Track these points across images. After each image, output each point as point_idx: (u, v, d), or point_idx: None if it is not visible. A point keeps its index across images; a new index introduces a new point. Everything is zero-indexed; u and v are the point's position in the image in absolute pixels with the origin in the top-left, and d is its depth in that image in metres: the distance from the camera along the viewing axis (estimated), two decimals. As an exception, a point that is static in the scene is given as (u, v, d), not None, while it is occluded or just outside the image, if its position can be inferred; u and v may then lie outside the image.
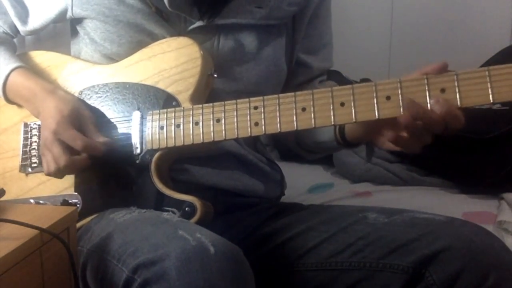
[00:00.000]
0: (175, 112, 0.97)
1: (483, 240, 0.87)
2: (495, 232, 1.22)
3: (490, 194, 1.50)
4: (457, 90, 0.82)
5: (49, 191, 1.04)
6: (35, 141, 1.07)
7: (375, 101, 0.85)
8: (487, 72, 0.80)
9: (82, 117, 1.00)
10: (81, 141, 0.97)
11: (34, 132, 1.07)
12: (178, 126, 0.96)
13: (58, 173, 0.99)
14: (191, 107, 0.96)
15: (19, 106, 1.09)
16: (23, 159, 1.07)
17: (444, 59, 0.84)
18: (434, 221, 0.92)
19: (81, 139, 0.97)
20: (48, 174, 1.00)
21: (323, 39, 1.15)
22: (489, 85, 0.80)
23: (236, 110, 0.93)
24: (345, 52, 2.11)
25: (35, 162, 1.06)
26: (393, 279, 0.89)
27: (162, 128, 0.97)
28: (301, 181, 1.65)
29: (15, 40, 1.18)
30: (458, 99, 0.82)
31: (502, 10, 2.07)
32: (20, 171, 1.08)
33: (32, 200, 1.03)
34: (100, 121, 1.03)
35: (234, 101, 0.93)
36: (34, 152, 1.07)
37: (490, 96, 0.80)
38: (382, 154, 1.73)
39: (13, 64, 1.06)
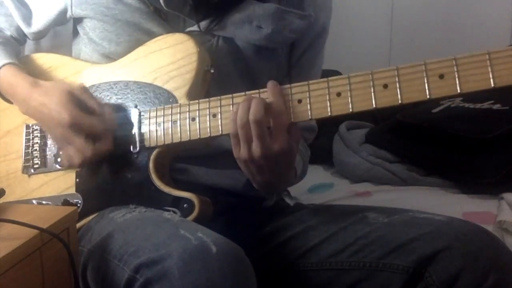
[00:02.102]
0: (172, 108, 0.97)
1: (483, 240, 0.87)
2: (495, 232, 1.22)
3: (490, 194, 1.50)
4: (456, 75, 0.80)
5: (51, 191, 1.05)
6: (37, 142, 1.07)
7: (372, 90, 0.84)
8: (487, 56, 0.78)
9: (80, 97, 0.98)
10: (100, 124, 0.96)
11: (36, 133, 1.08)
12: (175, 122, 0.96)
13: (85, 164, 0.98)
14: (187, 103, 0.96)
15: None
16: (25, 161, 1.08)
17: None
18: (434, 221, 0.91)
19: (98, 123, 0.96)
20: (71, 167, 0.99)
21: (311, 71, 1.15)
22: (489, 69, 0.77)
23: (232, 105, 0.93)
24: (345, 52, 2.11)
25: (37, 163, 1.07)
26: (393, 279, 0.89)
27: (159, 125, 0.97)
28: (301, 181, 1.65)
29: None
30: (457, 85, 0.79)
31: (502, 10, 2.08)
32: (22, 172, 1.08)
33: (34, 201, 1.04)
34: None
35: (230, 96, 0.93)
36: (36, 154, 1.07)
37: (491, 80, 0.77)
38: (382, 154, 1.73)
39: (4, 60, 1.05)
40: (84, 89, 1.00)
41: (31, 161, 1.07)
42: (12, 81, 1.04)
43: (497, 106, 1.62)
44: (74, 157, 0.97)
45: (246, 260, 0.81)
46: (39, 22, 1.12)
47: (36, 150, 1.07)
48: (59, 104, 0.97)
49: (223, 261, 0.76)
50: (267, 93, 0.89)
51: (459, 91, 0.79)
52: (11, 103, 1.10)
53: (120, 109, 1.02)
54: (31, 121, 1.08)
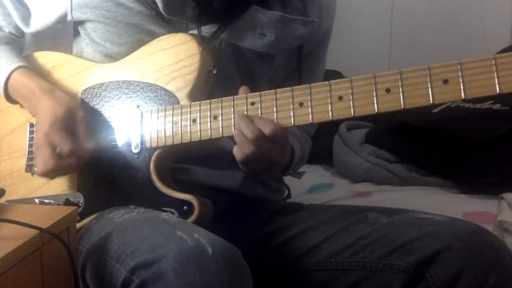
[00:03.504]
0: (173, 109, 0.97)
1: (483, 240, 0.87)
2: (495, 232, 1.22)
3: (490, 194, 1.50)
4: (461, 80, 0.78)
5: (54, 190, 1.05)
6: None
7: (374, 94, 0.83)
8: (493, 61, 0.76)
9: (75, 120, 1.00)
10: (67, 147, 0.97)
11: None
12: (176, 123, 0.96)
13: (47, 175, 1.01)
14: (188, 104, 0.96)
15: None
16: (29, 159, 1.08)
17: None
18: (434, 221, 0.91)
19: (68, 144, 0.97)
20: (40, 175, 1.01)
21: (313, 74, 1.15)
22: (495, 75, 0.76)
23: (233, 107, 0.92)
24: (345, 52, 2.11)
25: None
26: (394, 279, 0.89)
27: (160, 126, 0.97)
28: (301, 181, 1.64)
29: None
30: (462, 90, 0.78)
31: (502, 10, 2.08)
32: (26, 171, 1.08)
33: (37, 200, 1.04)
34: (100, 120, 1.03)
35: (231, 97, 0.93)
36: None
37: (497, 86, 0.76)
38: (382, 154, 1.73)
39: (16, 63, 1.07)
40: (83, 117, 1.01)
41: (34, 160, 1.07)
42: (29, 83, 1.05)
43: (497, 106, 1.62)
44: (40, 165, 0.99)
45: (243, 261, 0.81)
46: (38, 23, 1.12)
47: None
48: (52, 115, 0.99)
49: (219, 262, 0.76)
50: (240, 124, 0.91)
51: (463, 96, 0.78)
52: (13, 103, 1.10)
53: (121, 109, 1.02)
54: (35, 120, 1.08)
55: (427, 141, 1.66)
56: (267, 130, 0.89)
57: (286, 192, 1.20)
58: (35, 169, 1.02)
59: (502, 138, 1.54)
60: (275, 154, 0.93)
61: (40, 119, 1.01)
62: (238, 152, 0.92)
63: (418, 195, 1.55)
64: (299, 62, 1.10)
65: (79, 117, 1.01)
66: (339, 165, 1.81)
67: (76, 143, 0.99)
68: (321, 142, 1.69)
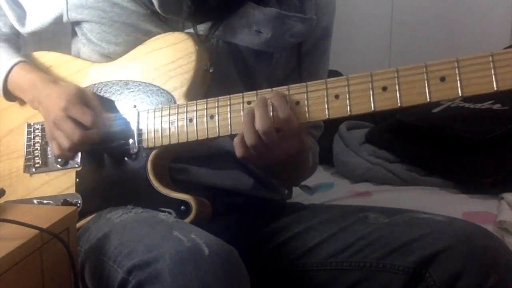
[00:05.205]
0: (169, 109, 0.97)
1: (483, 240, 0.87)
2: (495, 232, 1.22)
3: (490, 194, 1.50)
4: (458, 78, 0.78)
5: (52, 190, 1.05)
6: (38, 142, 1.08)
7: (371, 93, 0.83)
8: (490, 58, 0.76)
9: (86, 96, 1.01)
10: (90, 116, 0.98)
11: (37, 132, 1.08)
12: (173, 123, 0.96)
13: (72, 149, 1.00)
14: (185, 103, 0.96)
15: (22, 106, 1.10)
16: (27, 160, 1.08)
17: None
18: (434, 221, 0.91)
19: (90, 113, 0.98)
20: (61, 155, 1.01)
21: (316, 76, 1.13)
22: (492, 72, 0.75)
23: (230, 106, 0.92)
24: (345, 52, 2.11)
25: (38, 162, 1.07)
26: (393, 279, 0.89)
27: (157, 126, 0.97)
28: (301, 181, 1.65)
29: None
30: (459, 88, 0.78)
31: (502, 10, 2.08)
32: (24, 171, 1.08)
33: (35, 201, 1.04)
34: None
35: (228, 97, 0.93)
36: (37, 153, 1.07)
37: (494, 83, 0.75)
38: (382, 154, 1.73)
39: (16, 58, 1.08)
40: (94, 93, 1.03)
41: (32, 160, 1.08)
42: (30, 76, 1.06)
43: (497, 106, 1.62)
44: (63, 142, 0.99)
45: (239, 262, 0.80)
46: (33, 24, 1.12)
47: (37, 149, 1.08)
48: (65, 93, 1.00)
49: (216, 263, 0.76)
50: (272, 100, 0.89)
51: (460, 94, 0.78)
52: (12, 101, 1.10)
53: (119, 109, 1.02)
54: (33, 120, 1.09)
55: (427, 141, 1.67)
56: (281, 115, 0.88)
57: (286, 192, 1.20)
58: (55, 150, 1.01)
59: (502, 138, 1.54)
60: (285, 147, 0.91)
61: (50, 102, 1.01)
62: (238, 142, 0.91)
63: (418, 195, 1.55)
64: (299, 61, 1.10)
65: (90, 93, 1.02)
66: (339, 165, 1.81)
67: (96, 113, 0.99)
68: (321, 142, 1.69)
